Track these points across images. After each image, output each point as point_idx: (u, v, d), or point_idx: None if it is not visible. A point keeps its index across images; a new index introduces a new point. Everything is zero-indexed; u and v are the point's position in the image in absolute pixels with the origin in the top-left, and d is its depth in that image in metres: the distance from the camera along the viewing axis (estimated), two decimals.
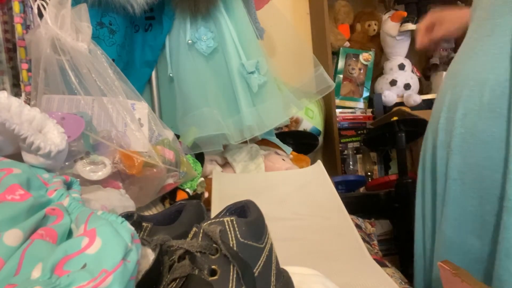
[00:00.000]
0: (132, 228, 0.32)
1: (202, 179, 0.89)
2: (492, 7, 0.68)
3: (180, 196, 0.83)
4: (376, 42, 1.81)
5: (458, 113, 0.68)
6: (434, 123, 0.77)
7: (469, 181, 0.67)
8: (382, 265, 0.79)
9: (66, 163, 0.61)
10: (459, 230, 0.69)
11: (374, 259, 0.73)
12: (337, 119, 1.68)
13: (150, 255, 0.35)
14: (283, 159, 1.06)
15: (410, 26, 1.66)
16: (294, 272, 0.43)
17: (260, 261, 0.37)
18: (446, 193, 0.71)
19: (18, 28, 0.75)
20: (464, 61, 0.72)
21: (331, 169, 1.61)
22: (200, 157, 0.95)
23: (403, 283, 0.88)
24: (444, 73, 1.73)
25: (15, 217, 0.32)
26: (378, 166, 1.80)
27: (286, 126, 1.56)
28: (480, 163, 0.65)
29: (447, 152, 0.71)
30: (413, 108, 1.68)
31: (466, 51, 0.73)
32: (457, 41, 1.78)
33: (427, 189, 0.79)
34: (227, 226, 0.36)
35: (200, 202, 0.47)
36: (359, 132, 1.77)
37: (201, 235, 0.35)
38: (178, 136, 0.88)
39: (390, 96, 1.72)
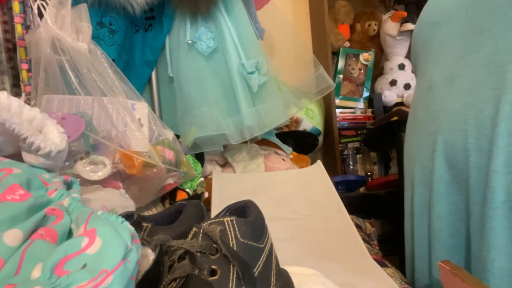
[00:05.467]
0: (132, 228, 0.32)
1: (202, 179, 0.89)
2: None
3: (180, 196, 0.83)
4: (376, 42, 1.81)
5: (500, 130, 0.61)
6: (454, 144, 0.69)
7: None
8: (382, 265, 0.79)
9: (66, 163, 0.61)
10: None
11: (374, 259, 0.73)
12: (337, 119, 1.68)
13: (150, 255, 0.35)
14: (283, 159, 1.06)
15: (410, 26, 1.66)
16: (294, 272, 0.43)
17: (260, 261, 0.37)
18: (489, 219, 0.63)
19: (18, 28, 0.75)
20: (482, 75, 0.66)
21: (331, 169, 1.61)
22: (200, 157, 0.95)
23: (403, 283, 0.88)
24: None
25: (15, 217, 0.32)
26: (378, 166, 1.79)
27: (286, 126, 1.56)
28: None
29: (485, 174, 0.64)
30: None
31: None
32: None
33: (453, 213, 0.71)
34: (227, 226, 0.36)
35: (200, 202, 0.47)
36: (359, 132, 1.77)
37: (201, 235, 0.35)
38: (178, 136, 0.88)
39: (390, 96, 1.72)
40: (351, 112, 1.77)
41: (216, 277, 0.33)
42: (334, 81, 1.73)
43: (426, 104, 0.76)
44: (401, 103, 1.73)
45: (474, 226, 0.67)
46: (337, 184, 1.46)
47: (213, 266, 0.34)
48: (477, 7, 0.69)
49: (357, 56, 1.77)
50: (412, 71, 1.78)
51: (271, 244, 0.40)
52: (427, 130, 0.75)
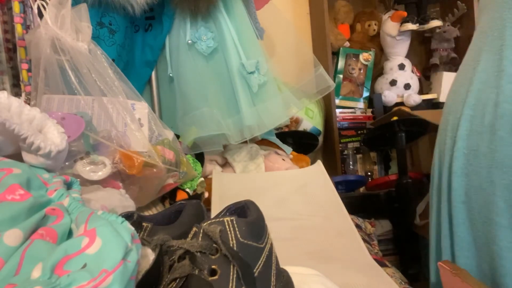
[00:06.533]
0: (132, 228, 0.32)
1: (202, 179, 0.89)
2: (493, 21, 0.65)
3: (180, 196, 0.83)
4: (376, 42, 1.81)
5: (460, 132, 0.64)
6: (441, 143, 0.72)
7: (476, 206, 0.62)
8: (382, 265, 0.79)
9: (66, 163, 0.61)
10: (473, 256, 0.64)
11: (374, 259, 0.73)
12: (337, 119, 1.68)
13: (150, 255, 0.35)
14: (283, 159, 1.06)
15: (410, 26, 1.66)
16: (294, 272, 0.43)
17: (260, 261, 0.37)
18: (453, 217, 0.66)
19: (18, 28, 0.75)
20: (465, 77, 0.68)
21: (331, 169, 1.61)
22: (200, 157, 0.95)
23: (403, 283, 0.88)
24: (444, 73, 1.73)
25: (15, 217, 0.32)
26: (378, 166, 1.79)
27: (286, 126, 1.56)
28: (485, 188, 0.60)
29: (448, 173, 0.67)
30: (413, 108, 1.68)
31: (469, 64, 0.69)
32: (457, 41, 1.78)
33: (435, 206, 0.75)
34: (227, 226, 0.36)
35: (200, 202, 0.47)
36: (359, 132, 1.77)
37: (201, 235, 0.35)
38: (178, 136, 0.88)
39: (390, 96, 1.72)
40: (351, 112, 1.77)
41: (216, 277, 0.33)
42: (334, 81, 1.73)
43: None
44: (401, 103, 1.73)
45: (444, 224, 0.69)
46: (337, 184, 1.46)
47: (213, 266, 0.34)
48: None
49: (357, 56, 1.77)
50: (412, 71, 1.78)
51: (271, 244, 0.40)
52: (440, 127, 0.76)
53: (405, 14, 1.68)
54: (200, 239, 0.35)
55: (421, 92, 1.80)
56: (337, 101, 1.74)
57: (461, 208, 0.64)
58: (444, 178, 0.69)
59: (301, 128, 1.59)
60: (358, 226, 1.23)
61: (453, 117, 0.67)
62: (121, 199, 0.60)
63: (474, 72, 0.64)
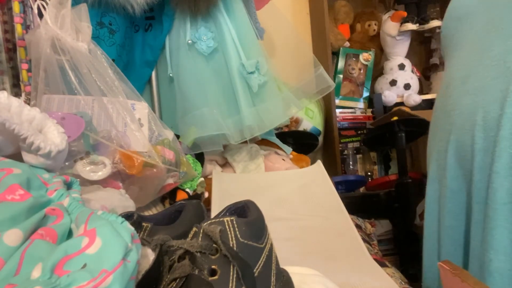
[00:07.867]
0: (132, 228, 0.32)
1: (202, 179, 0.89)
2: None
3: (180, 196, 0.83)
4: (376, 42, 1.81)
5: (503, 132, 0.62)
6: (462, 143, 0.70)
7: None
8: (382, 265, 0.79)
9: (66, 163, 0.61)
10: (508, 260, 0.62)
11: (374, 259, 0.73)
12: (337, 119, 1.68)
13: (150, 255, 0.35)
14: (283, 159, 1.06)
15: (410, 26, 1.66)
16: (294, 272, 0.43)
17: (260, 261, 0.37)
18: (490, 219, 0.63)
19: (18, 28, 0.75)
20: (496, 73, 0.66)
21: (331, 169, 1.61)
22: (200, 157, 0.95)
23: (403, 283, 0.88)
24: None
25: (15, 217, 0.32)
26: (378, 166, 1.79)
27: (286, 126, 1.56)
28: None
29: (488, 174, 0.65)
30: (413, 108, 1.68)
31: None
32: None
33: (452, 214, 0.73)
34: (227, 226, 0.36)
35: (200, 202, 0.47)
36: (359, 132, 1.77)
37: (201, 235, 0.35)
38: (178, 136, 0.88)
39: (390, 96, 1.72)
40: (351, 112, 1.77)
41: (216, 277, 0.33)
42: (334, 81, 1.73)
43: (443, 102, 0.77)
44: (401, 103, 1.73)
45: (476, 225, 0.67)
46: (337, 184, 1.46)
47: (213, 266, 0.34)
48: (498, 3, 0.68)
49: (357, 56, 1.77)
50: (412, 71, 1.78)
51: (271, 244, 0.40)
52: (443, 128, 0.75)
53: (405, 14, 1.68)
54: (200, 239, 0.35)
55: (421, 92, 1.80)
56: (337, 101, 1.74)
57: (502, 210, 0.62)
58: (476, 179, 0.67)
59: (301, 128, 1.59)
60: (358, 226, 1.22)
61: (485, 117, 0.65)
62: (121, 199, 0.60)
63: (511, 70, 0.62)
